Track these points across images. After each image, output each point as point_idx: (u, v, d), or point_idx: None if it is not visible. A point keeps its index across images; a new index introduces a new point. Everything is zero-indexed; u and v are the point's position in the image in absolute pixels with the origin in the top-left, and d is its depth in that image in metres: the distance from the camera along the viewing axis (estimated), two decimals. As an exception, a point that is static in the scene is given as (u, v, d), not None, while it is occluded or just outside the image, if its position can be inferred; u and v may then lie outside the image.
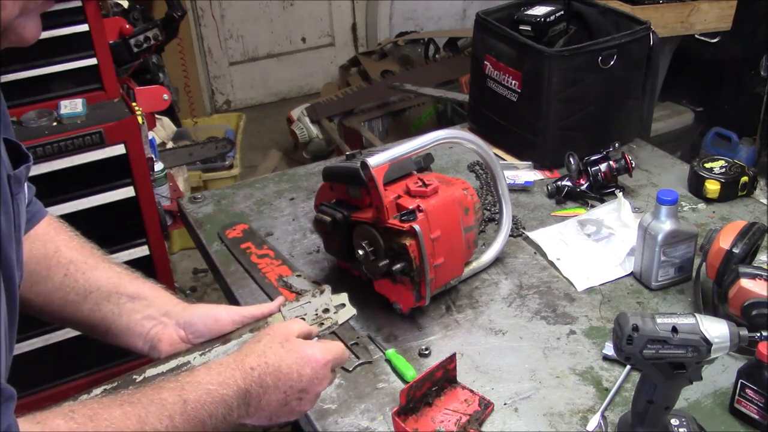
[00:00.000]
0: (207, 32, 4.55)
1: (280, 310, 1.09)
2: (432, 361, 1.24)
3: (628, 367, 1.21)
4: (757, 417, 1.11)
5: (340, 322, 1.11)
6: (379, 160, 1.28)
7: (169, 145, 3.26)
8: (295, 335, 0.98)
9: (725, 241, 1.30)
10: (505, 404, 1.17)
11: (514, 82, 1.83)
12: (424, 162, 1.42)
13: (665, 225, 1.37)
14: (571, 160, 1.69)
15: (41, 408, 0.79)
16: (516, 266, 1.51)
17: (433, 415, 1.15)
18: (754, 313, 1.19)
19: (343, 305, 1.13)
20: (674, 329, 0.97)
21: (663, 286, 1.42)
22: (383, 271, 1.31)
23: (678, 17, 2.73)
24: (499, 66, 1.87)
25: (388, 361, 1.26)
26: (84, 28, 2.09)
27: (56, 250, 1.08)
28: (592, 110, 1.81)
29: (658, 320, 0.98)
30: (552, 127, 1.80)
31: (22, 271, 0.91)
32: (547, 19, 1.90)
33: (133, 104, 2.22)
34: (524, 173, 1.82)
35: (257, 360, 0.93)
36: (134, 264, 2.27)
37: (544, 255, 1.53)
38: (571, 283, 1.45)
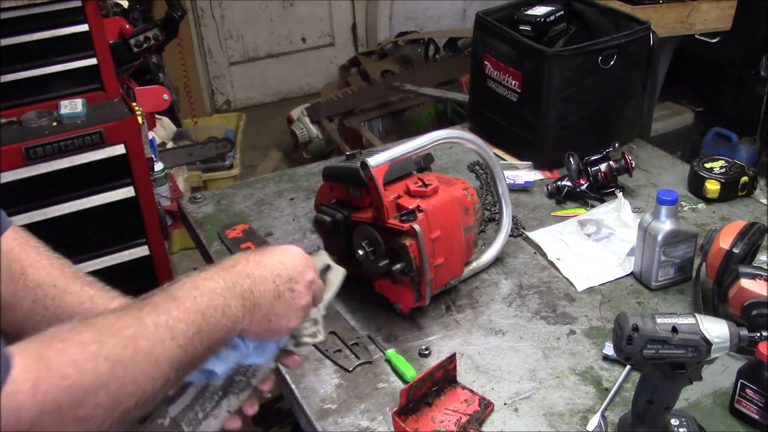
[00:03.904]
0: (207, 32, 4.55)
1: None
2: (432, 361, 1.24)
3: (628, 367, 1.21)
4: (757, 417, 1.11)
5: (335, 290, 1.00)
6: (379, 160, 1.28)
7: (169, 145, 3.26)
8: None
9: (725, 241, 1.31)
10: (505, 404, 1.17)
11: (514, 82, 1.82)
12: (424, 162, 1.43)
13: (665, 225, 1.37)
14: (571, 160, 1.69)
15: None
16: (516, 266, 1.51)
17: (433, 415, 1.15)
18: (754, 313, 1.19)
19: (329, 267, 1.03)
20: (674, 329, 0.97)
21: (663, 286, 1.42)
22: (383, 271, 1.31)
23: (678, 17, 2.73)
24: (499, 66, 1.87)
25: (388, 361, 1.26)
26: (84, 28, 2.09)
27: (22, 272, 0.95)
28: (592, 110, 1.81)
29: (658, 320, 0.98)
30: (552, 127, 1.80)
31: None
32: (547, 19, 1.90)
33: (133, 104, 2.23)
34: (524, 173, 1.82)
35: (236, 260, 0.91)
36: (134, 264, 2.29)
37: (544, 255, 1.53)
38: (571, 283, 1.45)
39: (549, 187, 1.72)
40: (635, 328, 0.97)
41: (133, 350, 0.73)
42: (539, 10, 1.92)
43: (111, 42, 2.23)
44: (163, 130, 3.26)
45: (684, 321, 0.98)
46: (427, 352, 1.28)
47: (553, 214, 1.68)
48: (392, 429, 1.12)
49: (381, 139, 3.74)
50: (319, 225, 1.44)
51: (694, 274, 1.41)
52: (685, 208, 1.66)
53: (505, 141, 1.92)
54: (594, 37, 1.88)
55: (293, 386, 1.22)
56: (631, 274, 1.46)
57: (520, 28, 1.89)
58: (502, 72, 1.86)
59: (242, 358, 0.93)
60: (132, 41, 2.35)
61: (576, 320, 1.35)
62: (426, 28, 4.87)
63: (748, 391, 1.11)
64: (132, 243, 2.25)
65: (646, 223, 1.40)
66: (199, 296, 0.83)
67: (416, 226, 1.24)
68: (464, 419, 1.14)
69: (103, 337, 0.72)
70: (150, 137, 2.54)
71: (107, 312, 0.79)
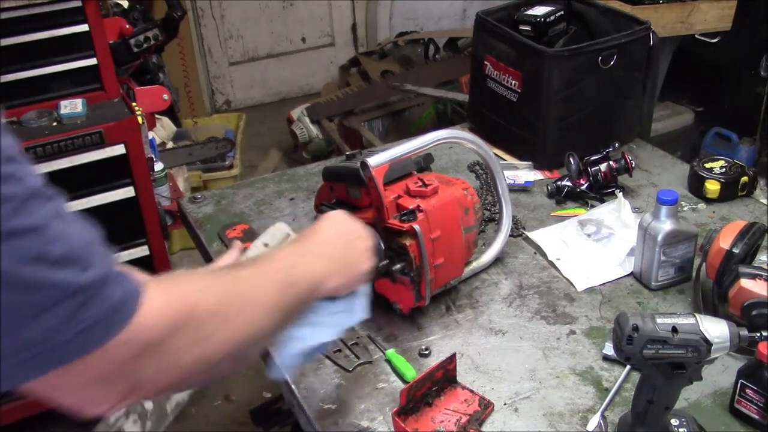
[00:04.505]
0: (207, 32, 4.55)
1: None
2: (432, 361, 1.24)
3: (628, 367, 1.21)
4: (757, 417, 1.11)
5: None
6: (379, 160, 1.28)
7: (169, 145, 3.26)
8: None
9: (725, 241, 1.30)
10: (505, 404, 1.17)
11: (514, 82, 1.82)
12: (424, 162, 1.42)
13: (665, 225, 1.37)
14: (571, 160, 1.69)
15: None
16: (516, 266, 1.51)
17: (433, 415, 1.15)
18: (754, 313, 1.19)
19: (288, 235, 1.15)
20: (674, 329, 0.97)
21: (663, 286, 1.42)
22: (383, 271, 1.30)
23: (678, 17, 2.73)
24: (499, 66, 1.87)
25: (388, 361, 1.26)
26: (84, 28, 2.09)
27: None
28: (592, 110, 1.81)
29: (658, 320, 0.98)
30: (552, 127, 1.80)
31: None
32: (547, 19, 1.90)
33: (133, 104, 2.23)
34: (524, 173, 1.82)
35: (298, 237, 1.06)
36: (134, 264, 2.28)
37: (544, 255, 1.53)
38: (571, 283, 1.45)
39: (549, 187, 1.72)
40: (635, 328, 0.97)
41: (236, 290, 0.83)
42: (539, 10, 1.92)
43: (111, 42, 2.23)
44: (163, 130, 3.26)
45: (684, 321, 0.98)
46: (427, 352, 1.28)
47: (553, 214, 1.68)
48: (392, 429, 1.12)
49: (381, 139, 3.73)
50: (319, 225, 1.43)
51: (694, 274, 1.41)
52: (685, 208, 1.66)
53: (505, 141, 1.92)
54: (594, 37, 1.88)
55: (293, 386, 1.22)
56: (631, 274, 1.46)
57: (520, 28, 1.89)
58: (502, 72, 1.86)
59: (348, 320, 1.05)
60: (132, 41, 2.35)
61: (576, 320, 1.35)
62: (426, 28, 4.87)
63: (748, 391, 1.11)
64: (132, 243, 2.25)
65: (646, 223, 1.39)
66: (281, 258, 0.95)
67: (416, 226, 1.24)
68: (464, 419, 1.14)
69: (209, 281, 0.82)
70: (150, 137, 2.54)
71: (199, 269, 0.90)
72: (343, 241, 1.04)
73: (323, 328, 1.01)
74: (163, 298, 0.72)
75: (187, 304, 0.75)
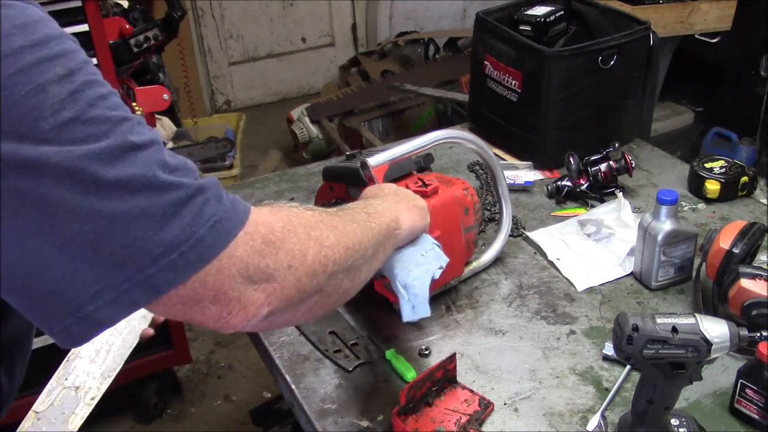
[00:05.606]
0: (207, 32, 4.55)
1: None
2: (432, 361, 1.24)
3: (628, 367, 1.21)
4: (757, 417, 1.11)
5: None
6: (379, 160, 1.28)
7: (169, 145, 3.26)
8: None
9: (725, 241, 1.30)
10: (505, 404, 1.17)
11: (514, 82, 1.83)
12: (424, 162, 1.42)
13: (665, 225, 1.37)
14: (571, 160, 1.69)
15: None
16: (516, 266, 1.51)
17: (433, 415, 1.15)
18: (754, 313, 1.19)
19: None
20: (674, 329, 0.97)
21: (663, 286, 1.42)
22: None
23: (678, 17, 2.73)
24: (499, 66, 1.87)
25: (388, 361, 1.26)
26: (84, 28, 2.09)
27: None
28: (592, 110, 1.81)
29: (658, 320, 0.98)
30: (552, 127, 1.80)
31: None
32: (547, 19, 1.90)
33: (133, 104, 2.22)
34: (524, 173, 1.82)
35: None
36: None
37: (544, 255, 1.53)
38: (571, 283, 1.45)
39: (549, 187, 1.72)
40: (635, 328, 0.97)
41: (331, 212, 0.91)
42: (539, 10, 1.92)
43: (111, 42, 2.23)
44: (163, 130, 3.26)
45: (684, 321, 0.98)
46: (427, 352, 1.28)
47: (553, 214, 1.68)
48: (392, 429, 1.13)
49: (381, 139, 3.73)
50: (319, 225, 1.43)
51: (694, 274, 1.41)
52: (685, 208, 1.66)
53: (505, 141, 1.92)
54: (594, 37, 1.88)
55: (293, 386, 1.22)
56: (631, 274, 1.46)
57: (520, 28, 1.89)
58: (502, 72, 1.86)
59: (441, 256, 1.11)
60: (132, 41, 2.34)
61: (576, 320, 1.35)
62: (426, 28, 4.87)
63: (748, 391, 1.11)
64: (132, 243, 2.24)
65: (646, 223, 1.40)
66: (353, 205, 1.01)
67: (416, 226, 1.24)
68: (464, 419, 1.14)
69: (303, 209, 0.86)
70: (150, 137, 2.53)
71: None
72: (393, 190, 1.14)
73: (426, 266, 1.08)
74: (269, 209, 0.79)
75: (292, 213, 0.81)
